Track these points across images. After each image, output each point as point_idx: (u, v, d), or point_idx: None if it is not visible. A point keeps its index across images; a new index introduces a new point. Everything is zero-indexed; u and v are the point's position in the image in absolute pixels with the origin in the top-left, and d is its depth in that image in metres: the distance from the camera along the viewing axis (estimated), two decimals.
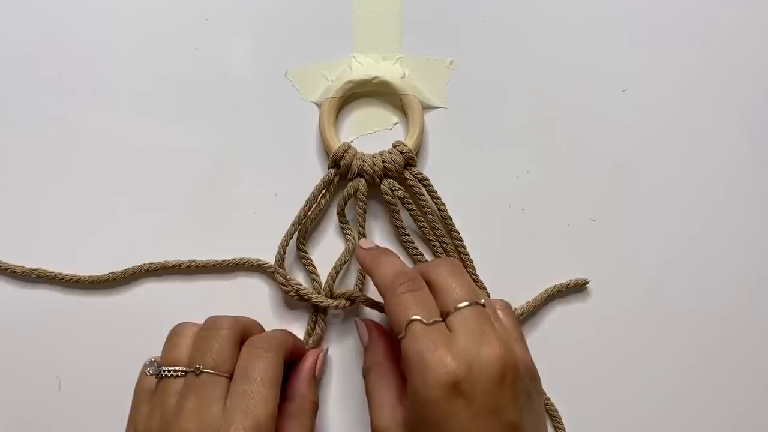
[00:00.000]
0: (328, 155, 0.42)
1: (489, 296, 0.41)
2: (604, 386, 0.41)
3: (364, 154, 0.41)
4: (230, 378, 0.35)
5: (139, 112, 0.43)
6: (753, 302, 0.42)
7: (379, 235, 0.42)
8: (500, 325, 0.35)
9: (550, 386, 0.40)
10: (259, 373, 0.34)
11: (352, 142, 0.43)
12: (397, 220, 0.42)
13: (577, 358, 0.41)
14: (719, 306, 0.42)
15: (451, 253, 0.42)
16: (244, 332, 0.37)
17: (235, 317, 0.37)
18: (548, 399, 0.41)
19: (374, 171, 0.41)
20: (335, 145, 0.41)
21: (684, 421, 0.41)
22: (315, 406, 0.38)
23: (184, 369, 0.35)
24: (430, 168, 0.43)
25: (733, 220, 0.43)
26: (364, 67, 0.43)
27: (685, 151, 0.43)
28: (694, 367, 0.41)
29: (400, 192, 0.41)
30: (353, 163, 0.41)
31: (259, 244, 0.41)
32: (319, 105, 0.43)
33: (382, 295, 0.35)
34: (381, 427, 0.34)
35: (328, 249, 0.42)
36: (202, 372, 0.34)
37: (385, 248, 0.39)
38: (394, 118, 0.43)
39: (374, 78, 0.42)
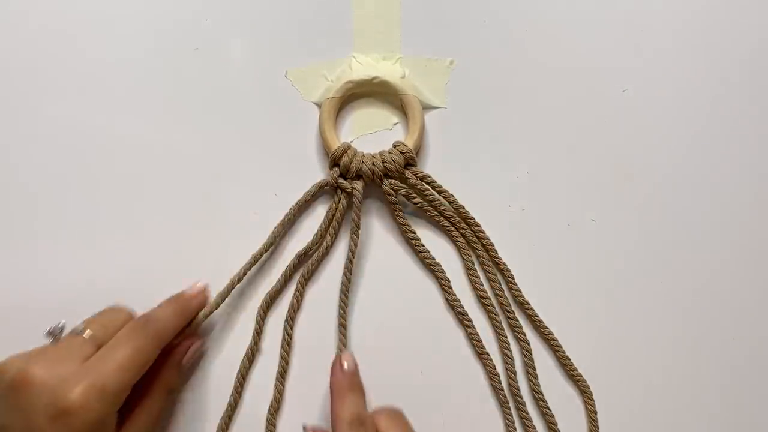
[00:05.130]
0: (328, 155, 0.42)
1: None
2: (604, 383, 0.42)
3: (363, 154, 0.41)
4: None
5: (139, 112, 0.43)
6: (754, 300, 0.42)
7: (377, 236, 0.43)
8: None
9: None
10: (129, 348, 0.35)
11: (352, 142, 0.43)
12: (401, 217, 0.42)
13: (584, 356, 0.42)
14: (719, 306, 0.42)
15: (469, 238, 0.42)
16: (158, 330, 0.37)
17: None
18: (580, 375, 0.41)
19: (374, 172, 0.40)
20: (335, 145, 0.41)
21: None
22: (169, 390, 0.39)
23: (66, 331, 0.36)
24: (430, 168, 0.43)
25: (734, 219, 0.43)
26: (364, 67, 0.43)
27: (685, 150, 0.43)
28: (699, 365, 0.42)
29: (404, 191, 0.41)
30: (352, 164, 0.41)
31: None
32: (319, 105, 0.43)
33: (333, 427, 0.36)
34: None
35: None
36: (82, 331, 0.36)
37: (358, 381, 0.38)
38: (394, 118, 0.43)
39: (374, 78, 0.42)
